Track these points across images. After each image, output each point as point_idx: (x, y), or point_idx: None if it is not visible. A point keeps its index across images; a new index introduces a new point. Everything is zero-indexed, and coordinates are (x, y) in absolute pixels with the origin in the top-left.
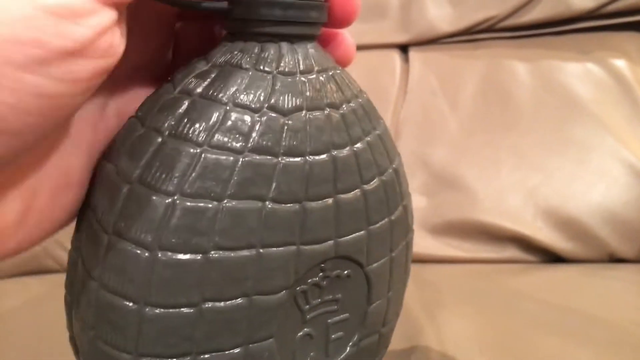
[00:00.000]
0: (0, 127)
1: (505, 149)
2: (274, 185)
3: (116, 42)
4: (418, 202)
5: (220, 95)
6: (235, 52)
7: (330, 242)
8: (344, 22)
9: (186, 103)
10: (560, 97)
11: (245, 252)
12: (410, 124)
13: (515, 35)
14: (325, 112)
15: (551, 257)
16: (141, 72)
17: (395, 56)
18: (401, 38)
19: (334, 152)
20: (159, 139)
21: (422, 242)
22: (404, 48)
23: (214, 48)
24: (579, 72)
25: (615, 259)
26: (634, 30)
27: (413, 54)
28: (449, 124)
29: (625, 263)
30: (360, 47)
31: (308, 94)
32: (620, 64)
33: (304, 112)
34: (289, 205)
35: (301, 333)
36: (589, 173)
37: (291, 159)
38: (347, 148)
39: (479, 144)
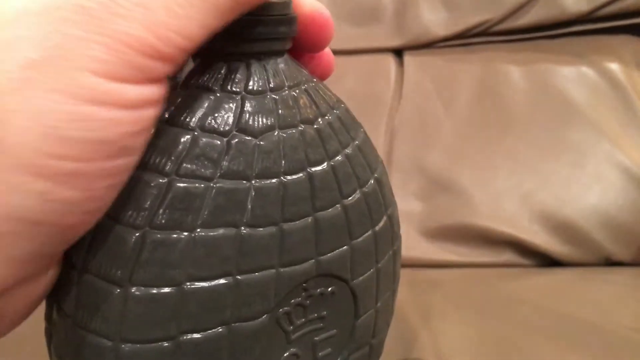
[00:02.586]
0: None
1: (500, 153)
2: (248, 210)
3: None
4: (414, 206)
5: (187, 120)
6: (202, 74)
7: (312, 261)
8: (319, 48)
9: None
10: (555, 101)
11: (221, 281)
12: (406, 128)
13: (509, 39)
14: (299, 128)
15: (548, 260)
16: None
17: (390, 60)
18: (396, 42)
19: (310, 170)
20: None
21: (418, 247)
22: (398, 52)
23: (180, 69)
24: (574, 75)
25: (612, 263)
26: (628, 34)
27: (408, 58)
28: (444, 128)
29: (622, 266)
30: (355, 52)
31: (280, 112)
32: (614, 67)
33: (276, 131)
34: (265, 228)
35: (287, 354)
36: (584, 177)
37: (265, 181)
38: (324, 164)
39: (475, 148)
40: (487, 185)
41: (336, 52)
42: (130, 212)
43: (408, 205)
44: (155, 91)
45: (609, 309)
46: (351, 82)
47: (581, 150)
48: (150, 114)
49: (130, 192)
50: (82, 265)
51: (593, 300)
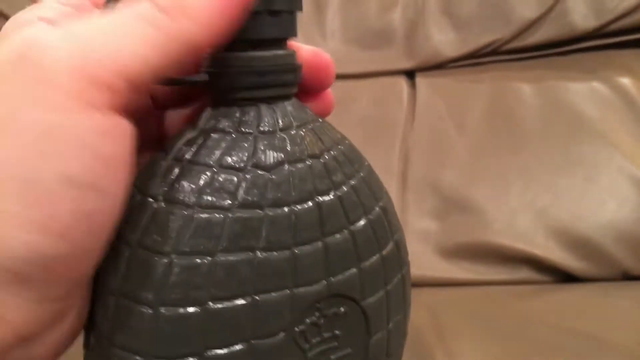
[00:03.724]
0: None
1: (514, 170)
2: (262, 236)
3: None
4: (429, 225)
5: (207, 159)
6: (219, 118)
7: (323, 282)
8: (323, 87)
9: (177, 170)
10: (567, 117)
11: (240, 301)
12: (419, 148)
13: (519, 57)
14: (307, 162)
15: (564, 276)
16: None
17: (402, 82)
18: (407, 64)
19: (318, 199)
20: (155, 205)
21: (435, 266)
22: (410, 74)
23: (200, 114)
24: (585, 91)
25: (629, 277)
26: (637, 48)
27: (419, 79)
28: (457, 148)
29: (639, 281)
30: (367, 75)
31: (289, 148)
32: (625, 81)
33: (286, 165)
34: (279, 252)
35: None
36: (598, 191)
37: (277, 210)
38: (331, 193)
39: (488, 166)
40: (502, 203)
41: (349, 76)
42: (158, 241)
43: (424, 224)
44: (108, 123)
45: (628, 325)
46: (364, 105)
47: (594, 165)
48: (108, 149)
49: (158, 223)
50: (118, 290)
51: (611, 317)
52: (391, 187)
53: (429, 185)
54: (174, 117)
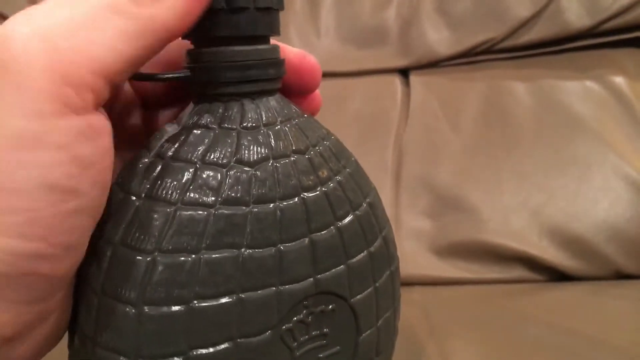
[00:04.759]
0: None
1: (507, 169)
2: (247, 233)
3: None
4: (423, 224)
5: (190, 155)
6: (201, 114)
7: (310, 280)
8: (310, 90)
9: (159, 167)
10: (561, 116)
11: (225, 299)
12: (413, 147)
13: (514, 56)
14: (292, 158)
15: (558, 275)
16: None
17: (396, 80)
18: (401, 62)
19: (304, 195)
20: (137, 203)
21: (428, 264)
22: (404, 72)
23: (183, 111)
24: (579, 90)
25: (622, 276)
26: (632, 47)
27: (414, 77)
28: (451, 146)
29: (632, 280)
30: (361, 73)
31: (273, 144)
32: (619, 80)
33: (270, 161)
34: (264, 249)
35: None
36: (592, 191)
37: (262, 207)
38: (317, 189)
39: (482, 165)
40: (496, 202)
41: (343, 74)
42: (141, 239)
43: (418, 223)
44: (85, 124)
45: (620, 324)
46: (358, 103)
47: (588, 164)
48: (86, 150)
49: (140, 221)
50: (101, 289)
51: (604, 316)
52: (385, 185)
53: (422, 183)
54: (166, 117)
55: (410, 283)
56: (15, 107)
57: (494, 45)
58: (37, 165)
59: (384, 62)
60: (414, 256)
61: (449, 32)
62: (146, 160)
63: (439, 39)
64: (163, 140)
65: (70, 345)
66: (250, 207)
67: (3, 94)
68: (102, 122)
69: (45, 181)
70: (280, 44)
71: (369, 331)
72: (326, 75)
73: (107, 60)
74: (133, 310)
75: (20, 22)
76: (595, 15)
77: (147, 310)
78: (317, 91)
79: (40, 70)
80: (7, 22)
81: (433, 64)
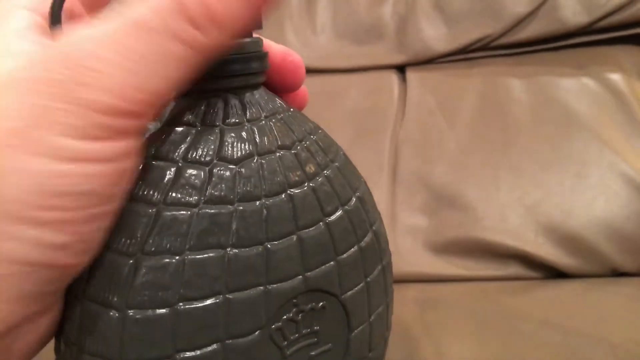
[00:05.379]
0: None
1: (504, 166)
2: (232, 232)
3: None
4: (419, 221)
5: (172, 154)
6: (184, 111)
7: (299, 278)
8: (294, 87)
9: (141, 166)
10: (557, 113)
11: (212, 300)
12: (410, 143)
13: (510, 53)
14: (278, 154)
15: (554, 273)
16: None
17: (393, 77)
18: (398, 59)
19: (291, 191)
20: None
21: (424, 261)
22: (401, 69)
23: (165, 108)
24: (575, 87)
25: (618, 273)
26: (628, 44)
27: (410, 74)
28: (447, 143)
29: (628, 277)
30: (357, 69)
31: (257, 140)
32: (615, 77)
33: (255, 157)
34: (250, 248)
35: None
36: (588, 188)
37: (247, 205)
38: (304, 185)
39: (478, 162)
40: (492, 199)
41: (339, 70)
42: (123, 241)
43: (413, 220)
44: (129, 144)
45: (616, 322)
46: (355, 100)
47: (585, 161)
48: (126, 165)
49: (123, 222)
50: (83, 294)
51: (599, 313)
52: (381, 182)
53: (419, 180)
54: None
55: (405, 280)
56: (70, 128)
57: (490, 41)
58: (83, 177)
59: (381, 59)
60: (409, 253)
61: (445, 28)
62: None
63: (435, 35)
64: (145, 139)
65: (57, 350)
66: (235, 205)
67: (56, 115)
68: (139, 140)
69: (91, 190)
70: (264, 40)
71: (361, 327)
72: (322, 71)
73: (160, 90)
74: (117, 315)
75: (89, 49)
76: (591, 12)
77: (131, 314)
78: (304, 87)
79: (96, 103)
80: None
81: (429, 61)
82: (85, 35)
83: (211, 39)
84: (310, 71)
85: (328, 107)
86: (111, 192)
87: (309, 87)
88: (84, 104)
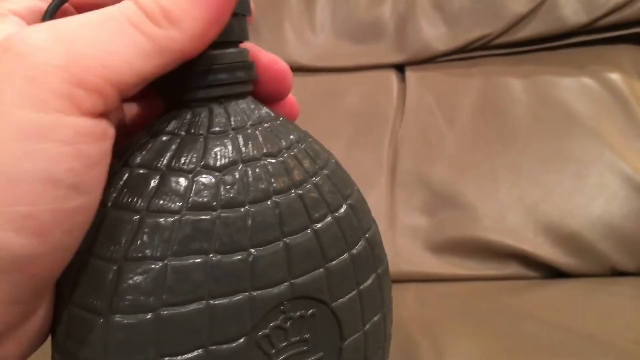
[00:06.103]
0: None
1: (503, 166)
2: (215, 238)
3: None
4: (419, 221)
5: (156, 162)
6: (169, 120)
7: (286, 284)
8: (282, 96)
9: (126, 174)
10: (557, 112)
11: (194, 306)
12: (409, 143)
13: (510, 52)
14: (263, 161)
15: (553, 272)
16: None
17: (392, 76)
18: (397, 58)
19: (276, 198)
20: (103, 211)
21: (424, 261)
22: (400, 68)
23: (154, 120)
24: (575, 86)
25: (617, 273)
26: (628, 43)
27: (409, 73)
28: (447, 143)
29: (627, 276)
30: (357, 68)
31: (242, 148)
32: (615, 77)
33: (239, 165)
34: (234, 254)
35: None
36: (587, 187)
37: (230, 211)
38: (290, 192)
39: (478, 162)
40: (491, 198)
41: (339, 69)
42: (107, 248)
43: (413, 220)
44: (92, 126)
45: (614, 321)
46: (354, 99)
47: (584, 160)
48: (92, 150)
49: (107, 229)
50: (69, 299)
51: (598, 312)
52: (380, 181)
53: (418, 180)
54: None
55: (405, 280)
56: (26, 98)
57: (490, 41)
58: (42, 158)
59: (380, 58)
60: (409, 253)
61: (445, 27)
62: (115, 168)
63: (435, 34)
64: (132, 149)
65: (52, 356)
66: (218, 212)
67: (16, 84)
68: (107, 127)
69: (51, 175)
70: (256, 48)
71: (354, 336)
72: (322, 70)
73: (121, 72)
74: (101, 320)
75: (44, 26)
76: (591, 12)
77: (114, 319)
78: (292, 97)
79: (56, 68)
80: (32, 25)
81: (429, 60)
82: (50, 22)
83: (171, 37)
84: (309, 70)
85: (327, 106)
86: (78, 182)
87: (308, 86)
88: (39, 69)
